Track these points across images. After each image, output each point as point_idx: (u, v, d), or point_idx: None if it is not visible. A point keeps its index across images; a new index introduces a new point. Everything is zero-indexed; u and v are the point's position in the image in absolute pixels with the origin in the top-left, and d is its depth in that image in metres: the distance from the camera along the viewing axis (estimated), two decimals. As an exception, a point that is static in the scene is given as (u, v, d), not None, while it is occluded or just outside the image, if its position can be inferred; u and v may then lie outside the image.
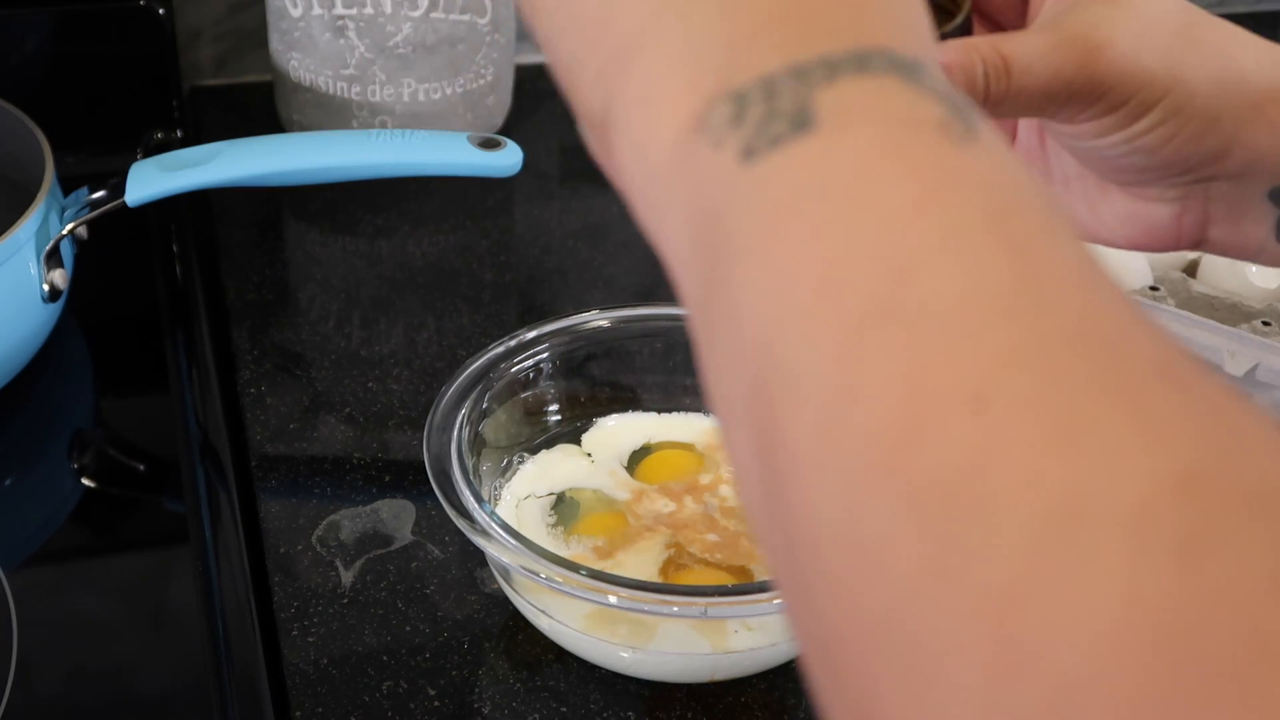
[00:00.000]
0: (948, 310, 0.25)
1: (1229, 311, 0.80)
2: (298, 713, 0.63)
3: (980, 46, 0.47)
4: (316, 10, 0.95)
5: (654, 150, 0.31)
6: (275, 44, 0.99)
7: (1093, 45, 0.48)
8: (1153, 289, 0.80)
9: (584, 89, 0.33)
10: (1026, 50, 0.47)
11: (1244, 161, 0.49)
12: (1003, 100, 0.47)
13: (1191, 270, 0.86)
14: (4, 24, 0.97)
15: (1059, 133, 0.51)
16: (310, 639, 0.66)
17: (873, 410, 0.25)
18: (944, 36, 0.49)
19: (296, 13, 0.95)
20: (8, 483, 0.78)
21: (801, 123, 0.28)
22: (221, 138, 0.82)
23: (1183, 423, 0.24)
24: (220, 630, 0.68)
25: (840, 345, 0.26)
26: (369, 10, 0.94)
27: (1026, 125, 0.53)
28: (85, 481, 0.80)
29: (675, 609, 0.59)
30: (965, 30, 0.50)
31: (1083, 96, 0.48)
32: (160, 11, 0.99)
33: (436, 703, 0.64)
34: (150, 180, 0.79)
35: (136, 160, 0.81)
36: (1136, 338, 0.25)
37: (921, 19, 0.32)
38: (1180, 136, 0.49)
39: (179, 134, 1.02)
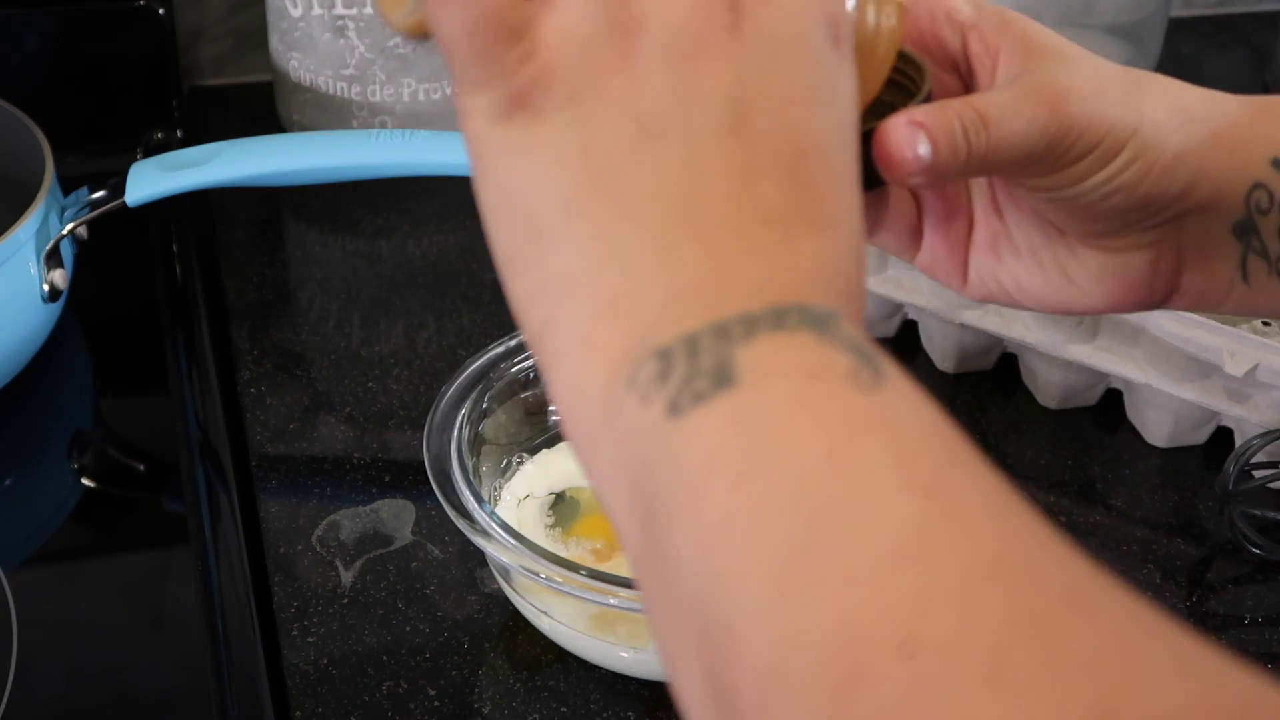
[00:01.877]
0: (868, 557, 0.27)
1: (1229, 311, 0.80)
2: (298, 713, 0.63)
3: (954, 104, 0.48)
4: (316, 10, 0.95)
5: (586, 396, 0.33)
6: (275, 44, 0.99)
7: (1057, 95, 0.49)
8: (1153, 289, 0.80)
9: (522, 294, 0.35)
10: (999, 104, 0.48)
11: (1211, 191, 0.50)
12: (985, 154, 0.48)
13: (1191, 270, 0.86)
14: (4, 24, 0.97)
15: (1037, 191, 0.51)
16: (310, 639, 0.66)
17: (811, 658, 0.27)
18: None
19: (296, 13, 0.95)
20: (8, 483, 0.78)
21: (722, 379, 0.30)
22: (221, 138, 0.82)
23: (1092, 655, 0.26)
24: (220, 630, 0.68)
25: (774, 596, 0.28)
26: (369, 10, 0.94)
27: (984, 208, 0.53)
28: (85, 481, 0.80)
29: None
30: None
31: (1058, 144, 0.49)
32: (160, 11, 0.99)
33: (436, 703, 0.64)
34: (150, 180, 0.79)
35: (136, 160, 0.81)
36: (1046, 566, 0.27)
37: (846, 265, 0.34)
38: (1155, 170, 0.49)
39: (179, 134, 1.02)
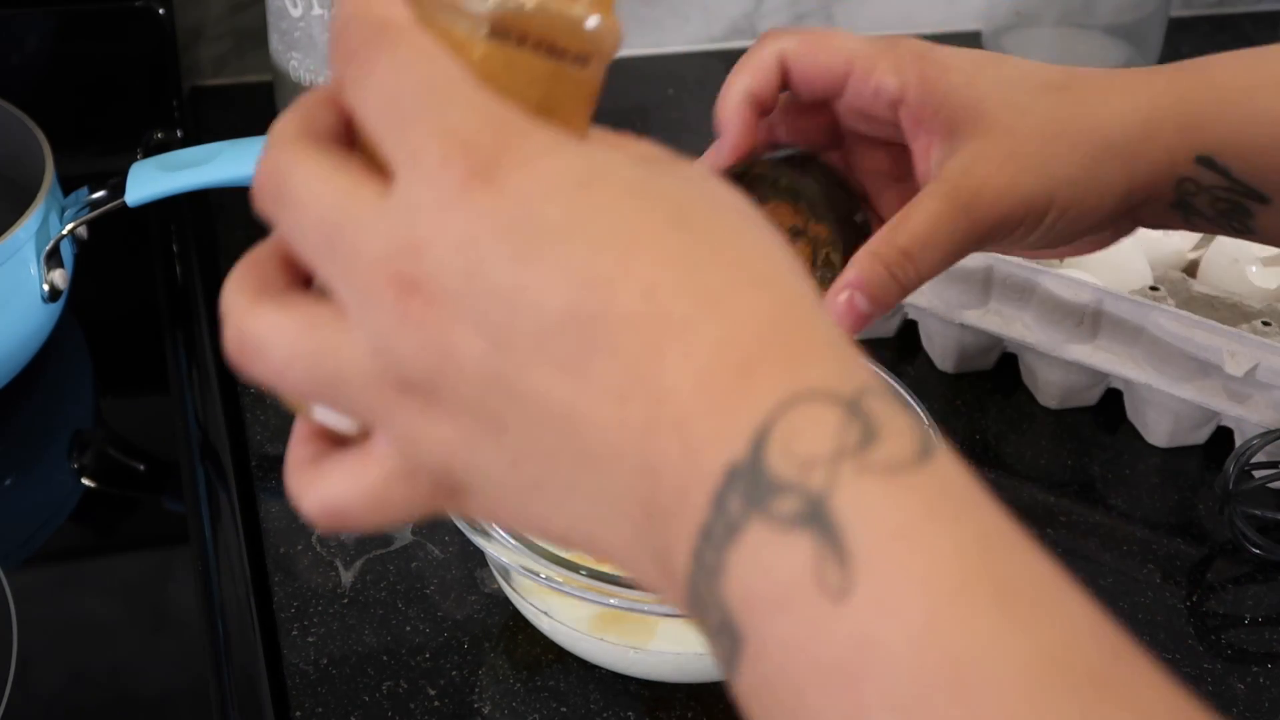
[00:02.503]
0: None
1: (1229, 311, 0.80)
2: (298, 713, 0.63)
3: (880, 252, 0.52)
4: (316, 10, 0.95)
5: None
6: (275, 44, 0.99)
7: (971, 194, 0.52)
8: (1153, 289, 0.80)
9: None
10: (918, 233, 0.52)
11: (1143, 198, 0.54)
12: (916, 281, 0.52)
13: (1191, 270, 0.86)
14: (4, 24, 0.97)
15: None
16: (310, 639, 0.66)
17: None
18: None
19: (296, 13, 0.95)
20: (8, 483, 0.78)
21: (733, 639, 0.29)
22: (221, 138, 0.82)
23: None
24: (220, 630, 0.68)
25: None
26: (369, 10, 0.94)
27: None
28: (85, 481, 0.80)
29: (675, 609, 0.59)
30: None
31: (982, 239, 0.52)
32: (160, 11, 0.99)
33: (436, 703, 0.64)
34: (150, 180, 0.79)
35: (136, 160, 0.81)
36: None
37: (707, 355, 0.29)
38: (1083, 219, 0.53)
39: (179, 134, 1.02)
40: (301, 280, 0.35)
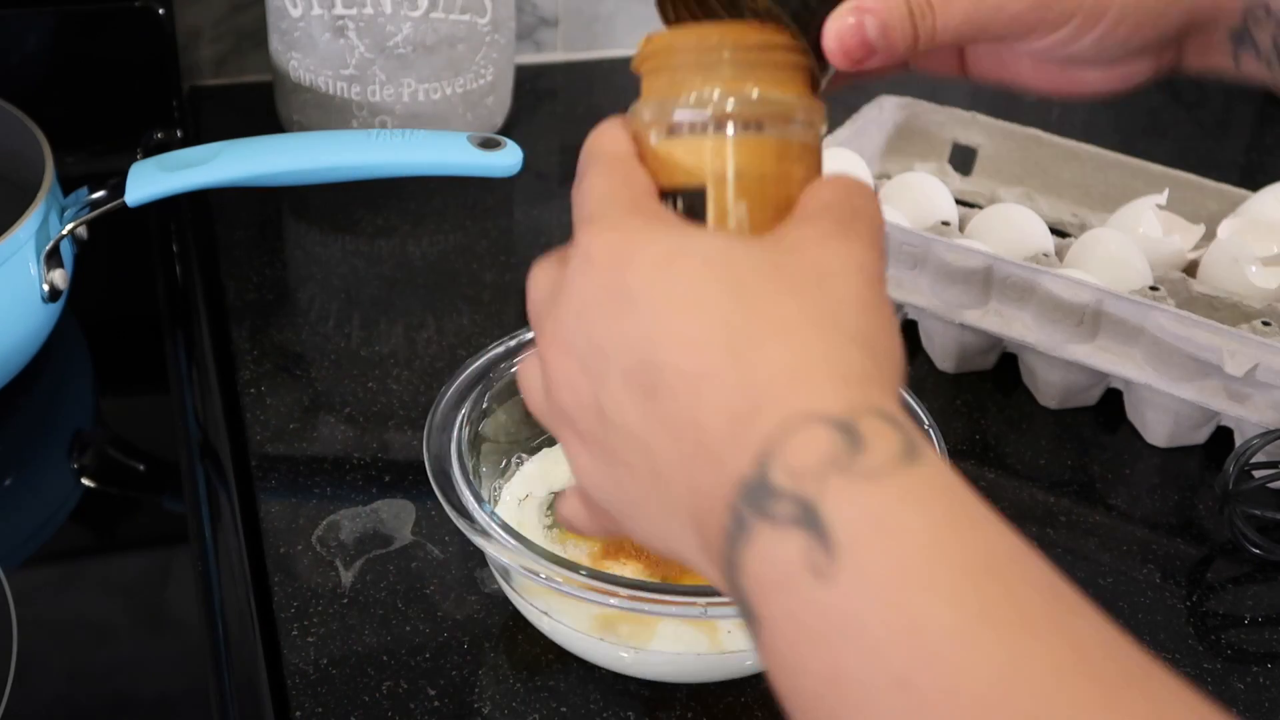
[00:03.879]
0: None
1: (1229, 311, 0.80)
2: (298, 713, 0.63)
3: None
4: (316, 10, 0.95)
5: None
6: (275, 44, 0.99)
7: None
8: (1153, 289, 0.80)
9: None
10: None
11: (1209, 12, 0.50)
12: (933, 37, 0.47)
13: (1191, 270, 0.86)
14: (4, 24, 0.97)
15: (1025, 54, 0.51)
16: (310, 639, 0.66)
17: None
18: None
19: (296, 13, 0.95)
20: (8, 483, 0.78)
21: (751, 618, 0.35)
22: (221, 138, 0.82)
23: None
24: (220, 630, 0.68)
25: None
26: (369, 10, 0.94)
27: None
28: (85, 481, 0.80)
29: (675, 609, 0.59)
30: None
31: (1027, 20, 0.48)
32: (160, 11, 0.99)
33: (436, 703, 0.64)
34: (150, 180, 0.79)
35: (136, 160, 0.81)
36: None
37: (758, 392, 0.37)
38: (1147, 24, 0.49)
39: (179, 134, 1.02)
40: None
